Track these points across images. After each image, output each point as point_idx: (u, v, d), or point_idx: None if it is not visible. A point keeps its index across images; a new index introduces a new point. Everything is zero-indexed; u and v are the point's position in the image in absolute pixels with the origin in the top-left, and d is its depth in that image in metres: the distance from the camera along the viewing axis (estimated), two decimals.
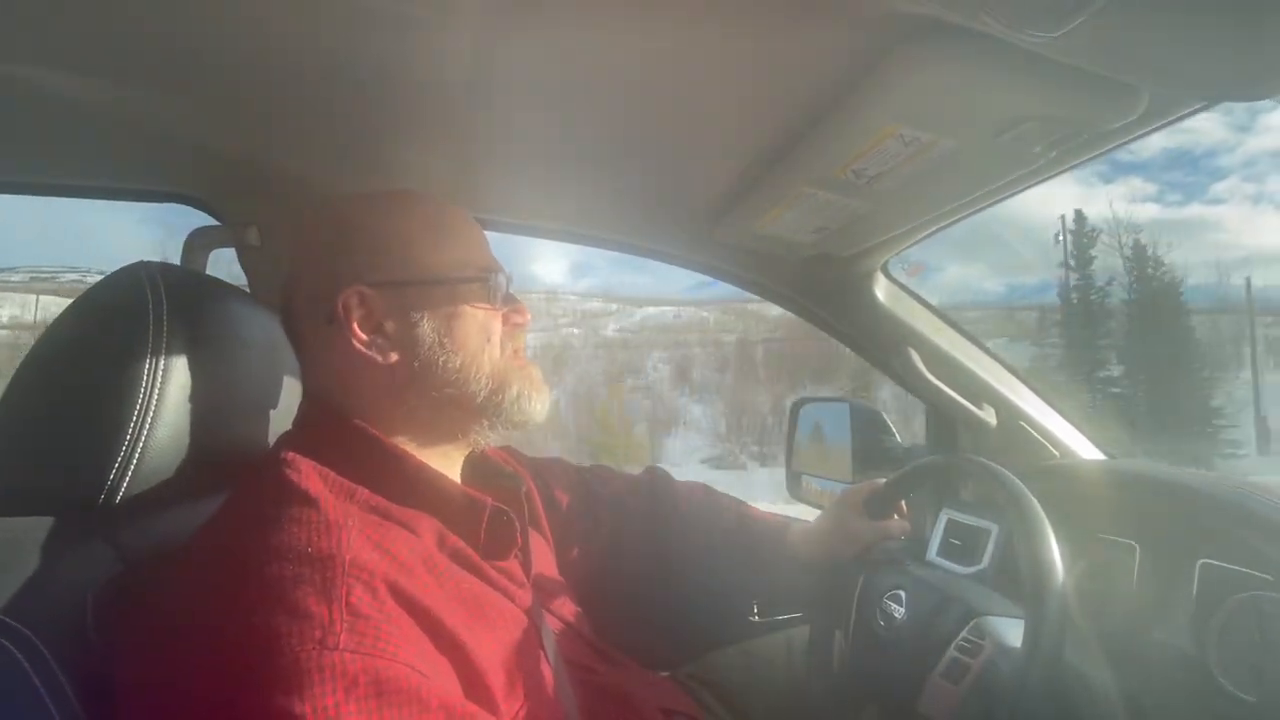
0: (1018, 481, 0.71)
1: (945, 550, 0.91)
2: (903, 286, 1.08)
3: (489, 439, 0.62)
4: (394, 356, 0.56)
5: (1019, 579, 0.66)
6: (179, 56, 0.66)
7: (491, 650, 0.50)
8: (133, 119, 0.76)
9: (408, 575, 0.47)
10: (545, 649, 0.59)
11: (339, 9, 0.59)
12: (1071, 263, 22.15)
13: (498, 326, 0.60)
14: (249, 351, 0.65)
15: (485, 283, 0.59)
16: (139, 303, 0.55)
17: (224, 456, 0.61)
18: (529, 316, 0.63)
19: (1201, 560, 0.68)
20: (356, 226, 0.59)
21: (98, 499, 0.51)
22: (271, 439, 0.59)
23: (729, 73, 0.66)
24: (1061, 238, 22.36)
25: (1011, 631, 0.68)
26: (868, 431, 1.13)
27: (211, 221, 0.93)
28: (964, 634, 0.71)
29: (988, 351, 1.08)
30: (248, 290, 0.95)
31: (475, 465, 0.67)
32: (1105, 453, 1.05)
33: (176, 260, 0.84)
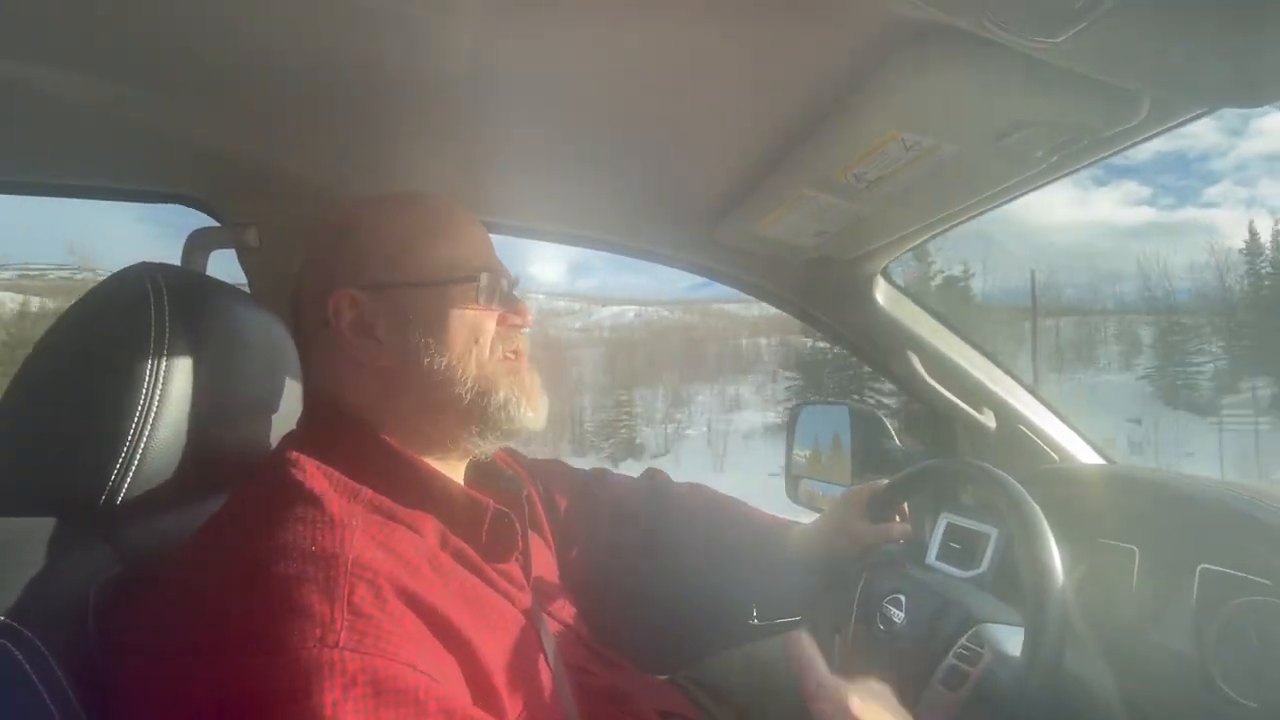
0: (1019, 486, 0.71)
1: (945, 554, 0.91)
2: (903, 290, 1.08)
3: (482, 448, 0.61)
4: (385, 360, 0.56)
5: (1018, 583, 0.66)
6: (179, 56, 0.66)
7: (494, 651, 0.50)
8: (133, 119, 0.76)
9: (413, 574, 0.47)
10: (545, 651, 0.59)
11: (339, 9, 0.59)
12: None
13: (489, 327, 0.60)
14: (249, 352, 0.65)
15: (477, 283, 0.59)
16: (140, 304, 0.55)
17: (225, 457, 0.61)
18: (529, 318, 0.62)
19: (1201, 565, 0.68)
20: (353, 229, 0.59)
21: (99, 500, 0.51)
22: (272, 440, 0.59)
23: (730, 74, 0.66)
24: None
25: (1011, 640, 0.68)
26: (867, 435, 1.13)
27: (211, 222, 0.93)
28: (963, 641, 0.71)
29: (987, 355, 1.08)
30: (248, 291, 0.95)
31: (476, 467, 0.67)
32: (1104, 457, 1.06)
33: (170, 258, 0.84)
